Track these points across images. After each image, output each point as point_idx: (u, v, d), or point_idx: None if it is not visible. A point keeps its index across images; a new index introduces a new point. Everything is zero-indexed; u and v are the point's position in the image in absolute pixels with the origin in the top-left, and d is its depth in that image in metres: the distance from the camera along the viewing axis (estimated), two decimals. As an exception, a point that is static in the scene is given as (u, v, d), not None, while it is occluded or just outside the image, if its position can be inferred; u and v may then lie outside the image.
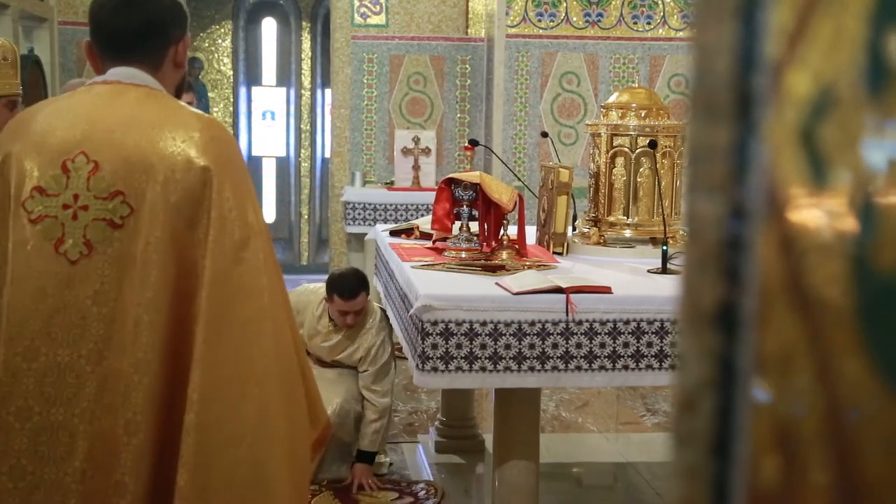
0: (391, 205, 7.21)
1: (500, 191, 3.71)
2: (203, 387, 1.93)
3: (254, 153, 11.89)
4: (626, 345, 3.10)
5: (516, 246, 3.67)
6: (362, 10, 7.82)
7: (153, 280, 1.92)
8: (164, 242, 1.93)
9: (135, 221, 1.94)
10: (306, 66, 12.36)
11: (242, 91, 12.24)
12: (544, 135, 5.12)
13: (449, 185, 3.79)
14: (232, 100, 12.10)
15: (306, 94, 12.30)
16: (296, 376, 2.13)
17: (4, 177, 1.99)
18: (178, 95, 2.19)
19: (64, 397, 1.93)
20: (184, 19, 2.14)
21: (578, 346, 3.08)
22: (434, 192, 3.92)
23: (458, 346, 3.03)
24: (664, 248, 3.55)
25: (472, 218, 3.75)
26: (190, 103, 4.39)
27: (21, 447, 1.92)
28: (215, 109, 11.92)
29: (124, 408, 1.91)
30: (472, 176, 3.79)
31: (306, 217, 11.84)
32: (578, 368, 3.09)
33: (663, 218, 3.75)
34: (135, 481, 1.91)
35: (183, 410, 1.93)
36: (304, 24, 12.54)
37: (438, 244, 3.84)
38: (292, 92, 12.31)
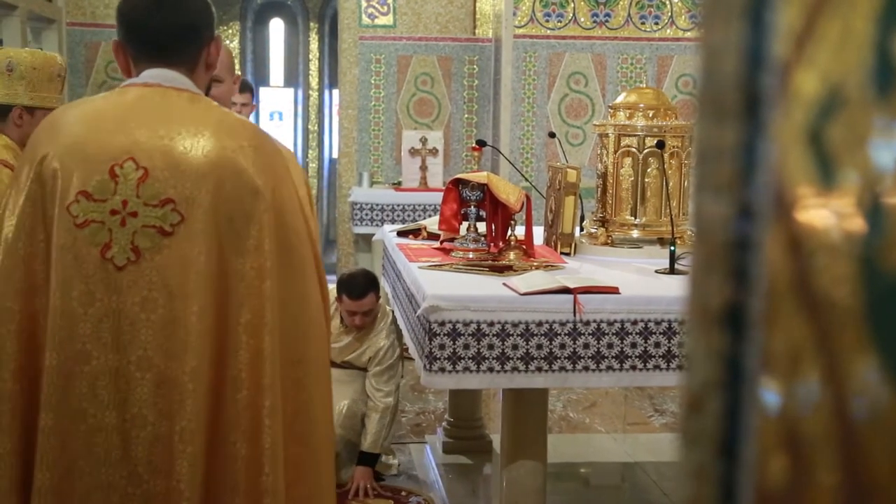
0: (398, 205, 7.22)
1: (508, 191, 3.71)
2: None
3: (261, 154, 11.90)
4: (633, 345, 3.10)
5: (524, 246, 3.67)
6: (370, 10, 7.83)
7: (203, 288, 1.92)
8: (213, 252, 1.93)
9: (185, 229, 1.93)
10: (314, 66, 12.37)
11: (250, 92, 12.25)
12: (552, 135, 5.12)
13: (456, 186, 3.79)
14: (240, 100, 12.12)
15: (314, 94, 12.31)
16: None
17: (42, 178, 1.97)
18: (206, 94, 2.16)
19: (116, 401, 1.94)
20: (213, 20, 2.13)
21: (586, 346, 3.08)
22: (441, 193, 3.92)
23: (466, 347, 3.03)
24: (672, 248, 3.54)
25: (479, 218, 3.75)
26: (246, 104, 4.46)
27: (77, 449, 1.94)
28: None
29: (179, 415, 1.92)
30: (480, 176, 3.79)
31: (314, 217, 11.84)
32: (586, 369, 3.09)
33: (671, 218, 3.74)
34: (190, 488, 1.92)
35: (223, 415, 1.95)
36: (311, 24, 12.55)
37: (446, 245, 3.84)
38: (300, 92, 12.33)
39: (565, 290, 3.09)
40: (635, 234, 3.96)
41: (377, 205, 7.24)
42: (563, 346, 3.06)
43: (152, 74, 2.04)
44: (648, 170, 3.93)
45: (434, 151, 7.46)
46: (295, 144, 12.10)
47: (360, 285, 4.26)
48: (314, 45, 12.45)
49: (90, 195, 1.94)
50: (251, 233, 1.95)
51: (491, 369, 3.05)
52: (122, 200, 1.94)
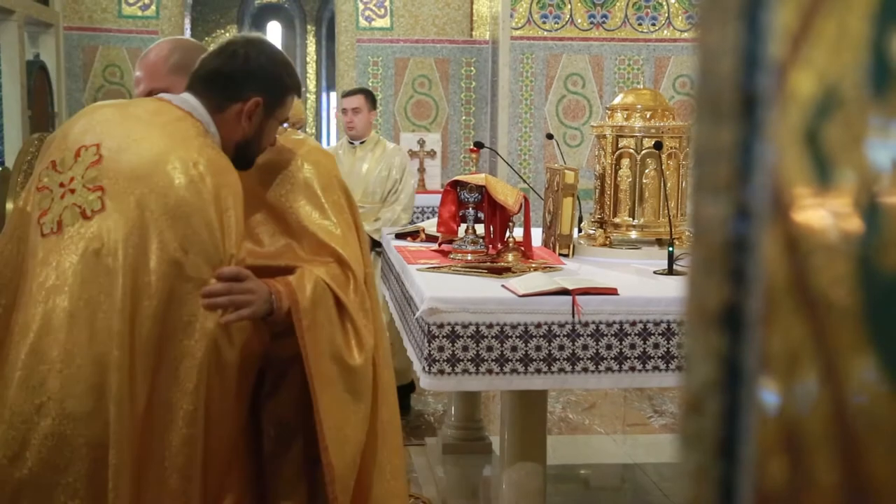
0: (397, 206, 7.21)
1: (506, 193, 3.71)
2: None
3: (259, 157, 11.92)
4: (632, 346, 3.10)
5: (522, 248, 3.67)
6: (367, 13, 7.83)
7: (81, 282, 1.99)
8: (95, 251, 2.00)
9: (99, 218, 2.02)
10: (311, 69, 12.37)
11: (248, 95, 12.27)
12: (549, 136, 5.12)
13: (454, 188, 3.79)
14: (237, 104, 12.14)
15: (312, 97, 12.31)
16: None
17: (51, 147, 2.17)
18: (241, 155, 2.23)
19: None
20: (268, 88, 2.22)
21: (585, 347, 3.08)
22: (439, 195, 3.92)
23: (465, 349, 3.03)
24: (670, 249, 3.54)
25: (477, 220, 3.75)
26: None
27: None
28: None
29: (61, 393, 1.97)
30: (478, 178, 3.79)
31: (312, 220, 11.85)
32: (585, 370, 3.09)
33: (669, 219, 3.74)
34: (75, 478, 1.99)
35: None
36: (308, 27, 12.55)
37: (444, 246, 3.84)
38: (297, 95, 12.33)
39: (564, 292, 3.09)
40: (633, 235, 3.96)
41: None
42: (561, 348, 3.06)
43: (182, 97, 2.20)
44: (646, 171, 3.93)
45: (432, 153, 7.46)
46: (293, 147, 12.12)
47: (352, 90, 5.47)
48: (311, 47, 12.45)
49: (55, 165, 2.11)
50: (165, 247, 2.00)
51: (490, 371, 3.04)
52: (71, 177, 2.08)
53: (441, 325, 3.01)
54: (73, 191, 2.05)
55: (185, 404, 2.02)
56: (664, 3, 7.63)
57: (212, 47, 2.32)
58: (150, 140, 2.08)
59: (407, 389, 5.39)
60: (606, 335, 3.09)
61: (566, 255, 3.85)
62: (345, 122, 5.47)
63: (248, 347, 2.14)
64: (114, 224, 2.00)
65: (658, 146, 3.83)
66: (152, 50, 2.47)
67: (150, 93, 2.35)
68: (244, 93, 2.19)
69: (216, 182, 2.05)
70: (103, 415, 1.97)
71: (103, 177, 2.04)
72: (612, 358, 3.09)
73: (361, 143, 5.48)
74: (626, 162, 3.95)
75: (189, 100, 2.18)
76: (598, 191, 4.07)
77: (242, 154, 2.24)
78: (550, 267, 3.55)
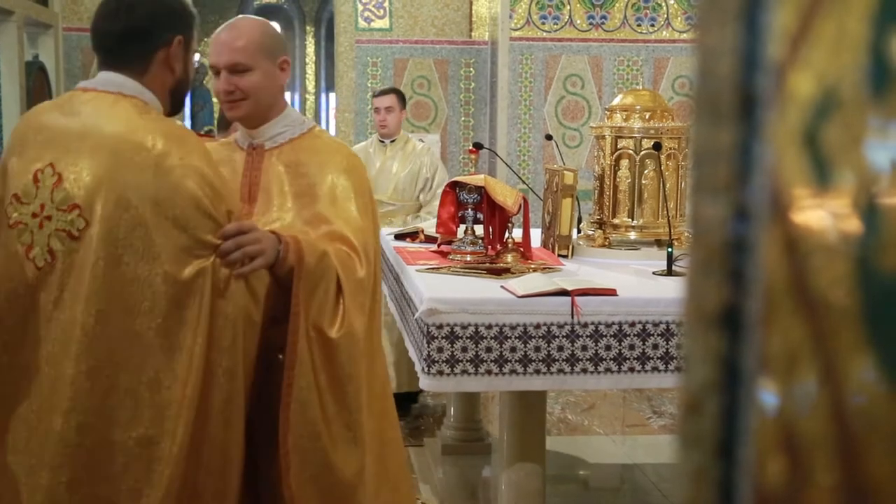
0: (396, 208, 7.21)
1: (505, 194, 3.71)
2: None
3: (258, 158, 11.90)
4: (631, 347, 3.10)
5: (521, 249, 3.67)
6: (366, 14, 7.83)
7: (104, 289, 2.00)
8: (112, 257, 2.00)
9: (89, 235, 2.01)
10: (310, 70, 12.37)
11: (247, 96, 12.25)
12: (548, 137, 5.12)
13: (454, 189, 3.79)
14: (236, 104, 12.11)
15: (311, 98, 12.31)
16: None
17: (3, 177, 2.14)
18: (177, 99, 2.25)
19: (25, 393, 2.08)
20: (177, 22, 2.19)
21: (584, 348, 3.08)
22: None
23: (464, 350, 3.03)
24: (669, 249, 3.54)
25: (476, 221, 3.75)
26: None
27: None
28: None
29: (74, 412, 2.01)
30: (477, 179, 3.79)
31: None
32: (584, 371, 3.09)
33: (668, 220, 3.74)
34: (74, 480, 2.03)
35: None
36: (307, 28, 12.55)
37: (443, 247, 3.84)
38: (297, 96, 12.32)
39: (563, 293, 3.09)
40: (633, 235, 3.96)
41: (374, 207, 7.24)
42: (561, 349, 3.06)
43: (101, 78, 2.14)
44: (645, 171, 3.93)
45: (431, 154, 7.45)
46: (292, 148, 12.10)
47: (384, 89, 5.66)
48: (310, 48, 12.45)
49: (19, 198, 2.08)
50: (155, 240, 2.01)
51: (489, 372, 3.04)
52: (41, 204, 2.05)
53: (440, 326, 3.01)
54: (48, 217, 2.04)
55: (223, 361, 2.08)
56: (663, 4, 7.63)
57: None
58: (99, 139, 2.05)
59: (415, 396, 5.44)
60: (605, 336, 3.09)
61: (565, 256, 3.85)
62: (377, 121, 5.62)
63: (271, 309, 2.17)
64: (106, 232, 2.00)
65: (657, 147, 3.83)
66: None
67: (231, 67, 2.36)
68: (162, 38, 2.15)
69: (182, 153, 2.05)
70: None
71: (73, 196, 2.03)
72: (611, 359, 3.09)
73: (392, 141, 5.61)
74: (625, 163, 3.95)
75: (113, 78, 2.13)
76: (597, 192, 4.07)
77: (178, 98, 2.24)
78: (549, 268, 3.55)
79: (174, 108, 2.22)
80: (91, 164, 2.03)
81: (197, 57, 2.42)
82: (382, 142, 5.62)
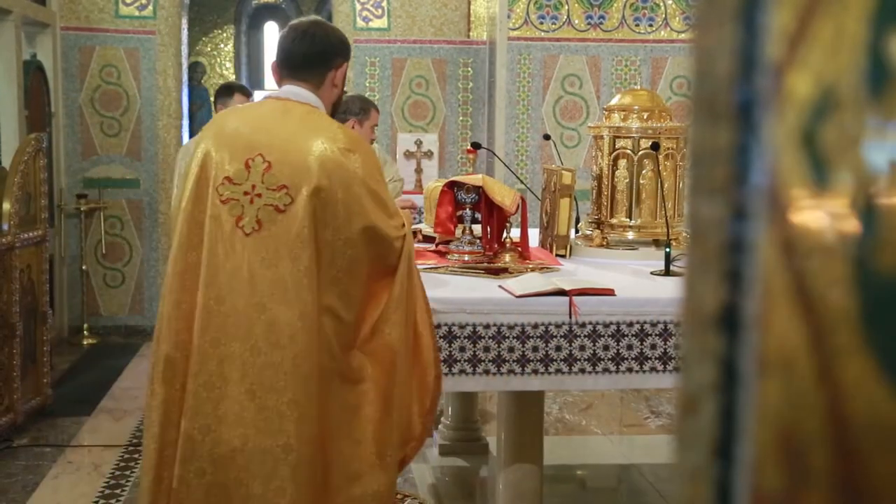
0: (394, 208, 7.21)
1: (503, 193, 3.71)
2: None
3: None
4: (629, 347, 3.10)
5: (519, 249, 3.67)
6: (364, 13, 7.83)
7: (307, 253, 2.56)
8: (312, 227, 2.57)
9: (294, 208, 2.58)
10: (308, 69, 12.37)
11: (245, 95, 12.25)
12: (546, 137, 5.12)
13: (451, 189, 3.79)
14: (234, 104, 12.10)
15: (308, 97, 12.32)
16: None
17: (204, 164, 2.65)
18: (335, 110, 2.85)
19: (240, 335, 2.57)
20: (344, 50, 2.83)
21: (582, 348, 3.08)
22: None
23: (462, 349, 3.03)
24: (667, 249, 3.54)
25: (474, 221, 3.75)
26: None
27: (212, 368, 2.59)
28: (218, 114, 11.93)
29: (289, 348, 2.55)
30: (475, 179, 3.79)
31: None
32: (582, 371, 3.09)
33: (666, 220, 3.74)
34: (292, 408, 2.56)
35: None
36: (306, 28, 12.55)
37: (441, 247, 3.84)
38: (295, 96, 12.32)
39: (561, 293, 3.09)
40: (630, 235, 3.96)
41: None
42: (558, 349, 3.06)
43: (286, 90, 2.76)
44: (643, 171, 3.93)
45: (429, 154, 7.46)
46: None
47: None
48: (309, 48, 12.45)
49: (231, 179, 2.63)
50: (338, 214, 2.59)
51: (487, 372, 3.04)
52: (252, 184, 2.61)
53: (438, 326, 3.01)
54: (259, 195, 2.61)
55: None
56: (661, 4, 7.63)
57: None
58: (300, 138, 2.62)
59: None
60: (603, 336, 3.09)
61: (563, 256, 3.85)
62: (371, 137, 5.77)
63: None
64: (303, 211, 2.56)
65: (655, 147, 3.83)
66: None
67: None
68: (333, 62, 2.77)
69: (361, 152, 2.65)
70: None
71: (281, 178, 2.59)
72: (609, 359, 3.09)
73: None
74: (623, 163, 3.95)
75: (301, 93, 2.73)
76: (595, 192, 4.07)
77: (334, 109, 2.83)
78: (547, 267, 3.55)
79: (331, 116, 2.78)
80: (295, 158, 2.59)
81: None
82: None
